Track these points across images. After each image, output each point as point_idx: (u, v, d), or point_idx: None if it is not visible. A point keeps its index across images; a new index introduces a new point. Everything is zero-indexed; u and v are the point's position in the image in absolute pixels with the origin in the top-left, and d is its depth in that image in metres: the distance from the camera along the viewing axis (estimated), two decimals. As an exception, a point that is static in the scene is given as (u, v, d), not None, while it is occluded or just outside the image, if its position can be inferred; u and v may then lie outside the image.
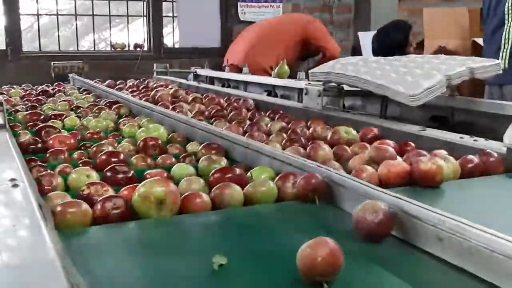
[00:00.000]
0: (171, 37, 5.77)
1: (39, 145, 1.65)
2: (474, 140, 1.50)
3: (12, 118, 2.19)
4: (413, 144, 1.55)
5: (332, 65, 2.23)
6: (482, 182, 1.28)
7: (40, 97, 2.88)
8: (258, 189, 1.12)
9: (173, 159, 1.49)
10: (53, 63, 4.21)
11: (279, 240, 0.91)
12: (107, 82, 3.62)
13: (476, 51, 3.69)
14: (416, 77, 1.86)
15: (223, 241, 0.94)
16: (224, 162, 1.41)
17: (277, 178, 1.18)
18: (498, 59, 2.81)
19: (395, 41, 3.84)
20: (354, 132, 1.72)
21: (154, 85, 3.42)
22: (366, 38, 4.85)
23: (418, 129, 1.69)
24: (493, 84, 3.15)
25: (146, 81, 3.69)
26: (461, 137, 1.54)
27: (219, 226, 1.03)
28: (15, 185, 0.96)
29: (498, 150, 1.38)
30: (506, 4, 3.06)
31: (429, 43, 4.19)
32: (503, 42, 3.08)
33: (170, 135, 1.81)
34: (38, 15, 5.23)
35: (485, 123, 1.94)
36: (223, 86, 3.69)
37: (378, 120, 1.97)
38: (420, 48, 4.21)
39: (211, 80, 3.92)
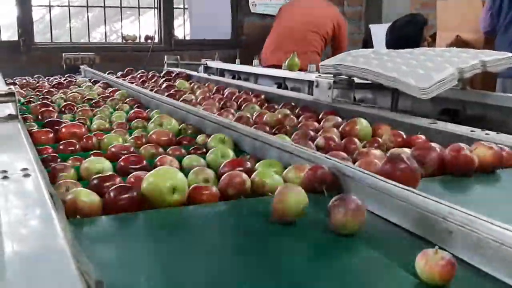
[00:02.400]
0: (182, 29, 5.77)
1: (51, 135, 1.67)
2: (486, 134, 1.49)
3: (24, 108, 2.20)
4: (423, 137, 1.55)
5: (343, 57, 2.22)
6: (493, 176, 1.27)
7: (52, 89, 2.90)
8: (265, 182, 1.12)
9: (183, 150, 1.50)
10: (65, 55, 4.22)
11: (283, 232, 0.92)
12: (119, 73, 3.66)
13: (489, 44, 3.65)
14: (428, 70, 1.85)
15: (230, 231, 0.94)
16: (231, 154, 1.40)
17: (285, 170, 1.18)
18: (511, 52, 2.78)
19: (409, 35, 3.80)
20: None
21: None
22: (377, 31, 4.82)
23: (429, 122, 1.68)
24: (506, 77, 3.12)
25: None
26: (472, 131, 1.53)
27: (227, 216, 1.03)
28: (26, 175, 0.97)
29: (509, 143, 1.37)
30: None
31: (442, 36, 4.16)
32: (516, 35, 3.05)
33: (180, 127, 1.82)
34: (50, 6, 5.24)
35: (497, 117, 1.93)
36: (233, 78, 3.69)
37: (389, 113, 1.96)
38: (432, 40, 4.18)
39: (222, 72, 3.92)
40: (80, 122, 1.84)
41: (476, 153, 1.26)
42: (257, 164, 1.27)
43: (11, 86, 2.55)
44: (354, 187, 1.05)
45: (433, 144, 1.35)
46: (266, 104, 2.35)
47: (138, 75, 3.57)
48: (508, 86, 3.14)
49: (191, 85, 3.08)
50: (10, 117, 1.58)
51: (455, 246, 0.80)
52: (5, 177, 0.96)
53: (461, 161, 1.23)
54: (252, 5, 5.50)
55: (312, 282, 0.73)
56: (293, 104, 2.26)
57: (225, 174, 1.14)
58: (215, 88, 2.92)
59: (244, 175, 1.12)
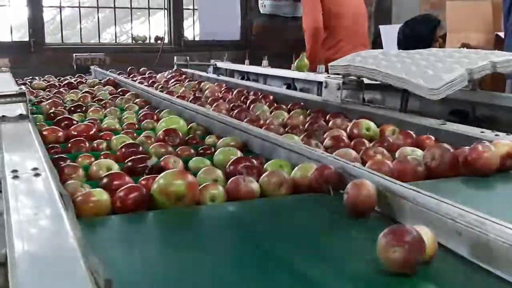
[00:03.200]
0: (191, 30, 5.79)
1: (61, 135, 1.68)
2: (496, 135, 1.48)
3: (35, 108, 2.22)
4: (433, 138, 1.54)
5: (352, 58, 2.21)
6: (501, 178, 1.26)
7: (62, 89, 2.92)
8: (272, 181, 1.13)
9: (192, 151, 1.50)
10: (75, 55, 4.25)
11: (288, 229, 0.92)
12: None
13: (499, 45, 3.63)
14: (437, 71, 1.84)
15: (238, 231, 0.95)
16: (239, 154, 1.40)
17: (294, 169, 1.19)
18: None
19: (421, 34, 3.78)
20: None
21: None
22: (387, 32, 4.80)
23: (439, 123, 1.67)
24: (515, 78, 3.10)
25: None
26: (482, 132, 1.52)
27: (234, 217, 1.03)
28: (37, 175, 0.98)
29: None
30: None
31: (452, 37, 4.14)
32: (526, 36, 3.03)
33: (189, 127, 1.83)
34: (60, 7, 5.28)
35: (507, 118, 1.92)
36: (242, 79, 3.69)
37: (398, 114, 1.95)
38: (443, 41, 4.16)
39: (231, 73, 3.92)
40: (90, 122, 1.85)
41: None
42: (265, 166, 1.27)
43: (22, 86, 2.57)
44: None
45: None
46: (275, 105, 2.35)
47: (147, 76, 3.59)
48: (516, 87, 3.11)
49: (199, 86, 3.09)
50: (21, 117, 1.60)
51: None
52: (15, 177, 0.96)
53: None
54: (262, 5, 5.51)
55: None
56: (302, 104, 2.27)
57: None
58: (224, 88, 2.93)
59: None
